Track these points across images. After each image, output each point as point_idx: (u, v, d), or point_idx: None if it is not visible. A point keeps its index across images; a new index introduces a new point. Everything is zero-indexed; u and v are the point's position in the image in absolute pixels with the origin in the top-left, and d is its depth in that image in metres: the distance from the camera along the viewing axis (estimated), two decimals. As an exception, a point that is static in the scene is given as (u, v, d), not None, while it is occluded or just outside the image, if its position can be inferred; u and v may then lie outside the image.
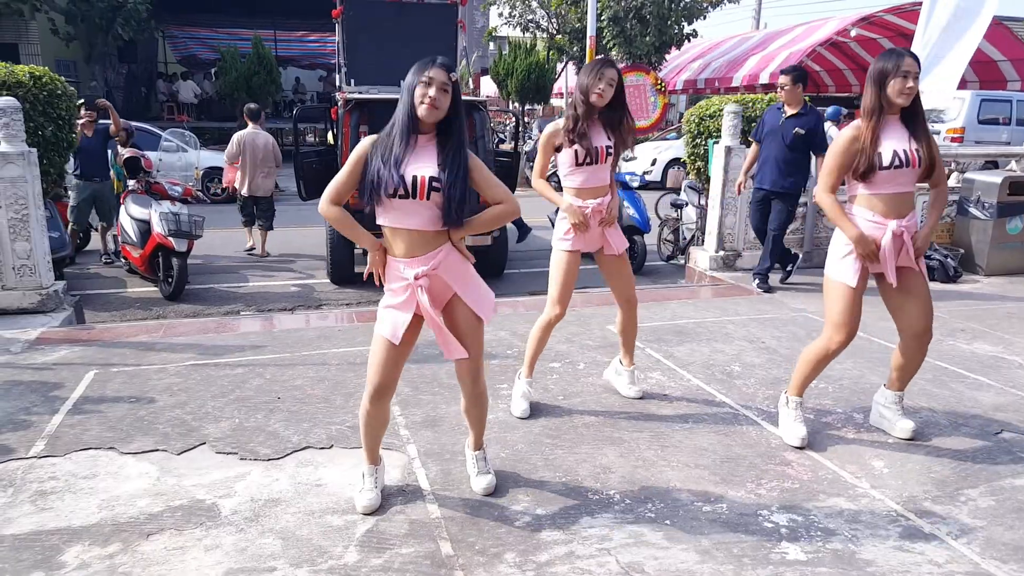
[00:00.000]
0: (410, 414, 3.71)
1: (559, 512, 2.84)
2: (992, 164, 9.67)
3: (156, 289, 6.98)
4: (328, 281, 7.44)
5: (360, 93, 7.12)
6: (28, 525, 2.71)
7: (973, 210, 7.03)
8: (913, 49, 7.80)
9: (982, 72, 17.47)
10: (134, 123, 9.56)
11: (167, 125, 16.66)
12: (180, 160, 12.62)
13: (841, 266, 3.27)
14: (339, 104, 7.23)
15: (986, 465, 3.25)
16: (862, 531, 2.74)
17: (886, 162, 3.11)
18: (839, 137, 3.22)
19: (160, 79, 21.75)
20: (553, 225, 9.57)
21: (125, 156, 7.45)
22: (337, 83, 8.03)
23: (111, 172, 7.88)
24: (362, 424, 2.79)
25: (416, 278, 2.58)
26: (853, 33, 17.37)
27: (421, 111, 2.49)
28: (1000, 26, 16.69)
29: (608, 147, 3.48)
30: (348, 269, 7.30)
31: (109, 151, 7.85)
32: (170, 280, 6.70)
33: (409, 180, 2.50)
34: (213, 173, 13.08)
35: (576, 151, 3.46)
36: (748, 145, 6.60)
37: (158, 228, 6.60)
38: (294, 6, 20.60)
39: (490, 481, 2.97)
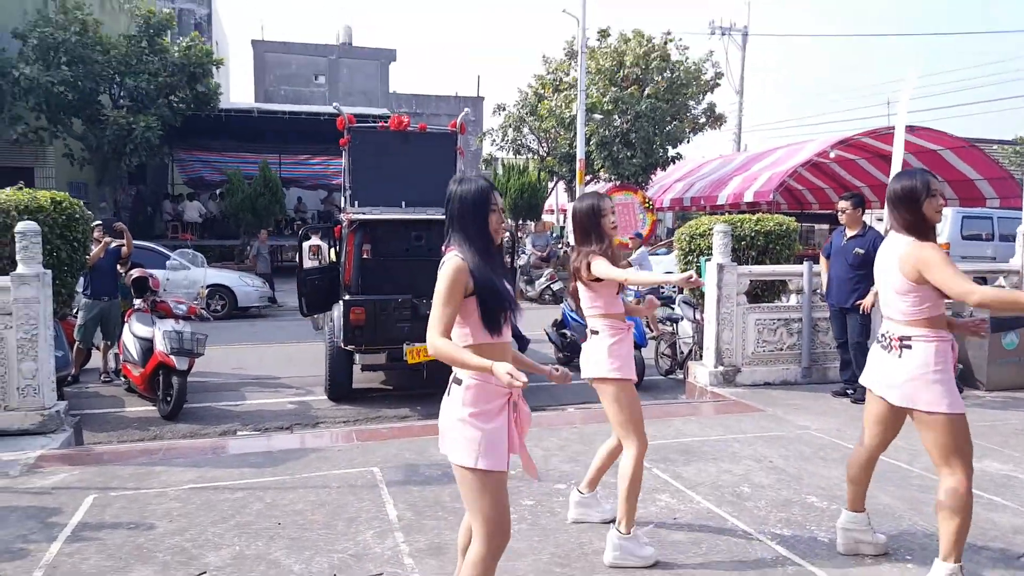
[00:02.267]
0: (413, 541, 3.62)
1: (573, 647, 2.73)
2: (982, 280, 9.93)
3: (154, 408, 6.92)
4: (326, 398, 7.40)
5: (364, 214, 7.38)
6: (18, 666, 2.58)
7: (966, 324, 7.15)
8: (892, 168, 8.23)
9: (960, 190, 18.25)
10: (141, 242, 9.77)
11: (171, 243, 17.08)
12: (185, 278, 12.84)
13: (955, 396, 3.02)
14: (344, 224, 7.48)
15: (1010, 591, 3.17)
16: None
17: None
18: (933, 250, 3.02)
19: (166, 199, 22.44)
20: (553, 340, 9.59)
21: (134, 276, 7.60)
22: (340, 203, 8.34)
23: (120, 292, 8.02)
24: None
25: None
26: (832, 155, 18.23)
27: (497, 238, 2.58)
28: (975, 148, 17.63)
29: None
30: (346, 385, 7.29)
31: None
32: (169, 399, 6.66)
33: (506, 290, 2.55)
34: (215, 290, 13.29)
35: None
36: (747, 262, 7.26)
37: (160, 346, 6.63)
38: (299, 133, 21.67)
39: None
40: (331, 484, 4.40)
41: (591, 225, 3.53)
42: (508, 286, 2.57)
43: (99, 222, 7.76)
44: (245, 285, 13.68)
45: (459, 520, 3.79)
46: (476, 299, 2.45)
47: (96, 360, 8.38)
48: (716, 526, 3.85)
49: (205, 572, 3.26)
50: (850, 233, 6.50)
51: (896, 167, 7.79)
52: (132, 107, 17.84)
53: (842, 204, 6.54)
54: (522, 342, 8.54)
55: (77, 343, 7.74)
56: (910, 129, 14.73)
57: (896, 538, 3.66)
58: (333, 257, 8.85)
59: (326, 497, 4.19)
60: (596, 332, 3.57)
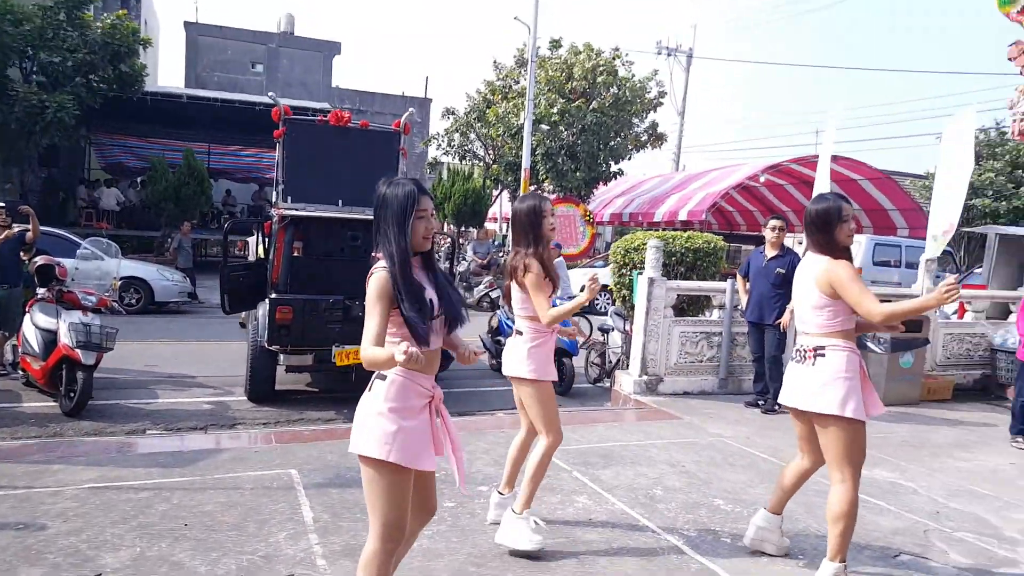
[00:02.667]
0: (328, 543, 3.54)
1: (483, 649, 2.71)
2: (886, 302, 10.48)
3: (55, 404, 6.55)
4: (246, 399, 7.16)
5: (296, 210, 7.20)
6: None
7: (871, 344, 7.50)
8: (815, 194, 8.61)
9: (875, 219, 19.24)
10: (50, 228, 9.26)
11: (85, 232, 16.22)
12: (97, 269, 12.22)
13: (857, 403, 3.17)
14: (274, 219, 7.27)
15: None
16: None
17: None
18: (846, 268, 3.20)
19: (81, 185, 21.31)
20: (488, 347, 9.59)
21: (39, 263, 7.17)
22: (272, 198, 8.09)
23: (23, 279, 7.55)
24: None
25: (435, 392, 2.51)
26: (762, 179, 18.94)
27: (425, 245, 2.51)
28: (889, 180, 18.62)
29: None
30: (269, 386, 7.06)
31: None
32: (72, 395, 6.30)
33: (435, 299, 2.51)
34: (130, 283, 12.70)
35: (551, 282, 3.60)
36: (676, 277, 7.56)
37: (65, 339, 6.27)
38: (230, 122, 20.91)
39: None
40: (244, 486, 4.26)
41: (530, 225, 3.57)
42: (443, 293, 2.54)
43: (2, 204, 7.30)
44: (163, 279, 13.12)
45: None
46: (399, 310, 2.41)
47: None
48: (629, 527, 3.92)
49: (100, 574, 3.09)
50: (771, 254, 6.76)
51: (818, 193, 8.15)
52: (46, 84, 16.82)
53: (777, 222, 6.80)
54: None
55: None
56: (834, 158, 15.43)
57: (792, 539, 3.80)
58: (262, 253, 8.60)
59: (238, 499, 4.05)
60: (520, 333, 3.63)
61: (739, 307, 7.46)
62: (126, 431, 6.01)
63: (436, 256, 2.70)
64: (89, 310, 6.88)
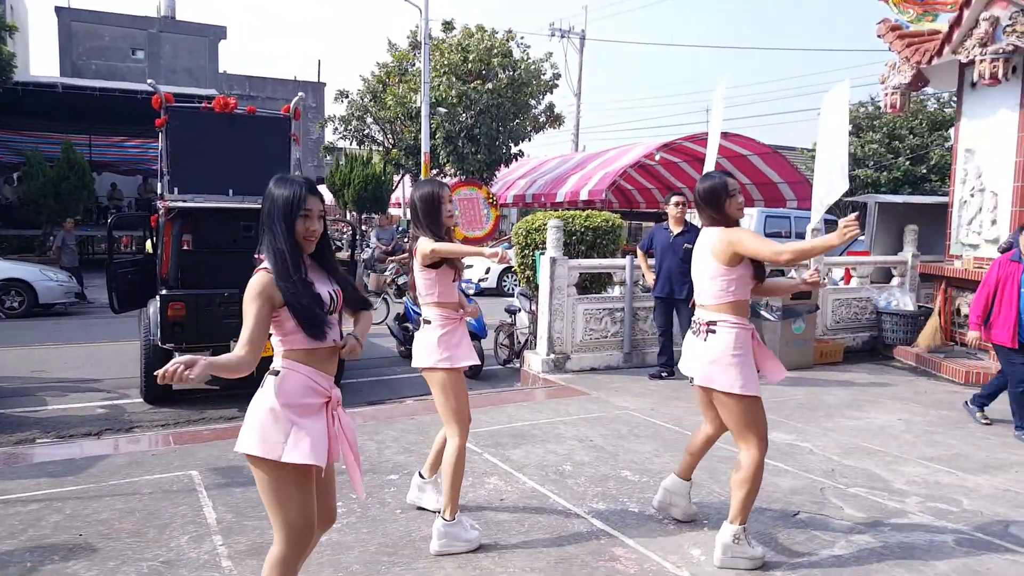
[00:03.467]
0: (233, 543, 3.47)
1: (396, 632, 2.75)
2: (779, 273, 11.08)
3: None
4: (142, 400, 6.86)
5: (184, 202, 6.91)
6: None
7: (763, 312, 7.95)
8: (705, 170, 8.98)
9: (765, 192, 20.23)
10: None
11: (-44, 233, 14.99)
12: (-31, 271, 11.35)
13: (751, 379, 3.29)
14: (160, 212, 6.95)
15: (788, 546, 3.57)
16: (685, 618, 2.90)
17: (767, 269, 3.43)
18: (744, 229, 3.37)
19: (-50, 182, 19.65)
20: (395, 334, 9.54)
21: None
22: (159, 191, 7.73)
23: None
24: None
25: (330, 390, 2.44)
26: (657, 157, 19.55)
27: (306, 247, 2.43)
28: (776, 154, 19.61)
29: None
30: (165, 387, 6.79)
31: None
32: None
33: (326, 296, 2.43)
34: (10, 285, 11.86)
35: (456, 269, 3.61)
36: (578, 256, 7.72)
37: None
38: (112, 112, 19.69)
39: None
40: (143, 491, 4.11)
41: (429, 213, 3.54)
42: (344, 287, 2.53)
43: None
44: (47, 279, 12.30)
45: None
46: (288, 311, 2.35)
47: None
48: (539, 504, 4.03)
49: (-14, 594, 2.94)
50: (676, 230, 7.02)
51: (709, 169, 8.51)
52: (-97, 74, 15.39)
53: (678, 198, 7.04)
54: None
55: None
56: (724, 135, 16.12)
57: (698, 504, 4.02)
58: (150, 248, 8.21)
59: (136, 504, 3.90)
60: (428, 322, 3.58)
61: (639, 283, 7.72)
62: (13, 441, 5.66)
63: (336, 245, 2.67)
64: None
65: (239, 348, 2.29)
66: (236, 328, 2.55)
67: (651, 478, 4.44)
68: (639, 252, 7.49)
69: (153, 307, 6.67)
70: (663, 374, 7.21)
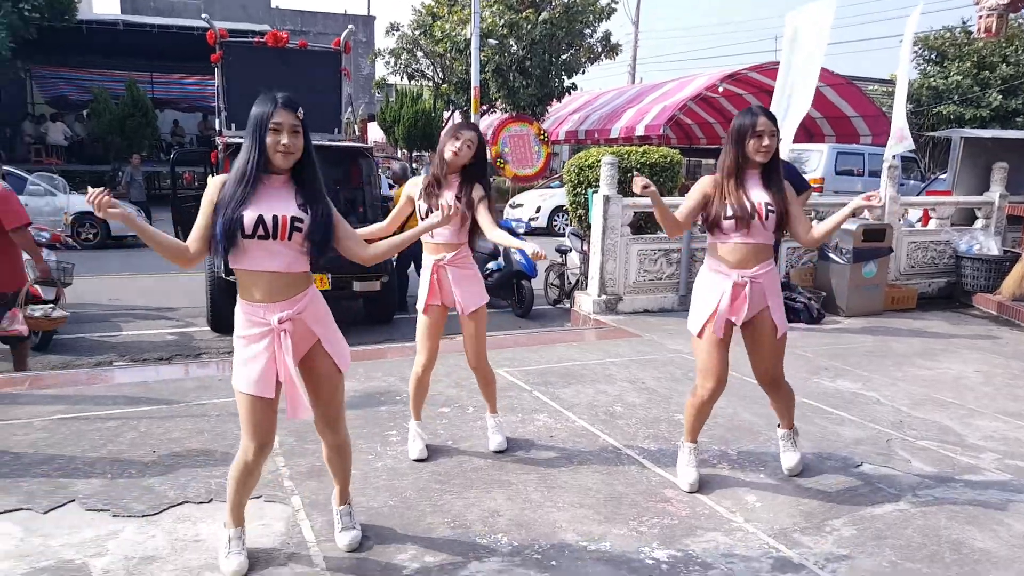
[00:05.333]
0: (295, 464, 3.64)
1: (447, 559, 2.86)
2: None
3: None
4: (208, 329, 7.16)
5: (240, 137, 7.01)
6: None
7: (832, 255, 7.69)
8: (773, 104, 8.59)
9: (838, 127, 19.28)
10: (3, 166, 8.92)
11: (34, 168, 15.65)
12: (48, 205, 11.88)
13: (696, 318, 3.44)
14: (219, 148, 7.09)
15: (848, 496, 3.50)
16: (737, 564, 2.90)
17: (728, 213, 3.29)
18: (698, 184, 3.43)
19: (27, 120, 20.38)
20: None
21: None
22: (217, 127, 7.87)
23: None
24: (234, 482, 2.67)
25: (280, 322, 2.49)
26: (721, 88, 18.71)
27: (277, 160, 2.45)
28: (851, 85, 18.55)
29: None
30: (229, 316, 7.05)
31: None
32: (37, 331, 6.25)
33: (269, 220, 2.43)
34: (84, 218, 12.38)
35: (421, 207, 3.60)
36: (633, 194, 7.08)
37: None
38: (171, 49, 19.97)
39: (354, 537, 2.87)
40: (210, 413, 4.32)
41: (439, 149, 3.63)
42: (313, 213, 2.48)
43: None
44: (118, 212, 12.79)
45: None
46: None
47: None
48: (589, 443, 4.08)
49: (73, 500, 3.17)
50: None
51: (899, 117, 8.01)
52: (-25, 15, 15.84)
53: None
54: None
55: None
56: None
57: (752, 451, 4.00)
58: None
59: (204, 425, 4.12)
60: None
61: (698, 223, 7.54)
62: (93, 363, 6.01)
63: (382, 183, 2.68)
64: (43, 246, 6.74)
65: (190, 241, 2.51)
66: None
67: (705, 422, 4.42)
68: None
69: (217, 240, 6.87)
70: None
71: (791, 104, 7.83)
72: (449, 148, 3.53)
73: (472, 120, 16.54)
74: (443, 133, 3.62)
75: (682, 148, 14.93)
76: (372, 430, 4.12)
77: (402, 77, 22.16)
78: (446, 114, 22.91)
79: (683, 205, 3.43)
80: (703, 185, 3.40)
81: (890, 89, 22.16)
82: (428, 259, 3.68)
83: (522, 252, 8.16)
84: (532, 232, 14.49)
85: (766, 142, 3.27)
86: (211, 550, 2.84)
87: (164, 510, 3.13)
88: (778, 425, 3.76)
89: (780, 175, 3.41)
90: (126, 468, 3.52)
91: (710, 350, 3.39)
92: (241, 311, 2.55)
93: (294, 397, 2.54)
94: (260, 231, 2.43)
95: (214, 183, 2.53)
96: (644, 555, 2.95)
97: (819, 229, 3.37)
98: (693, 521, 3.23)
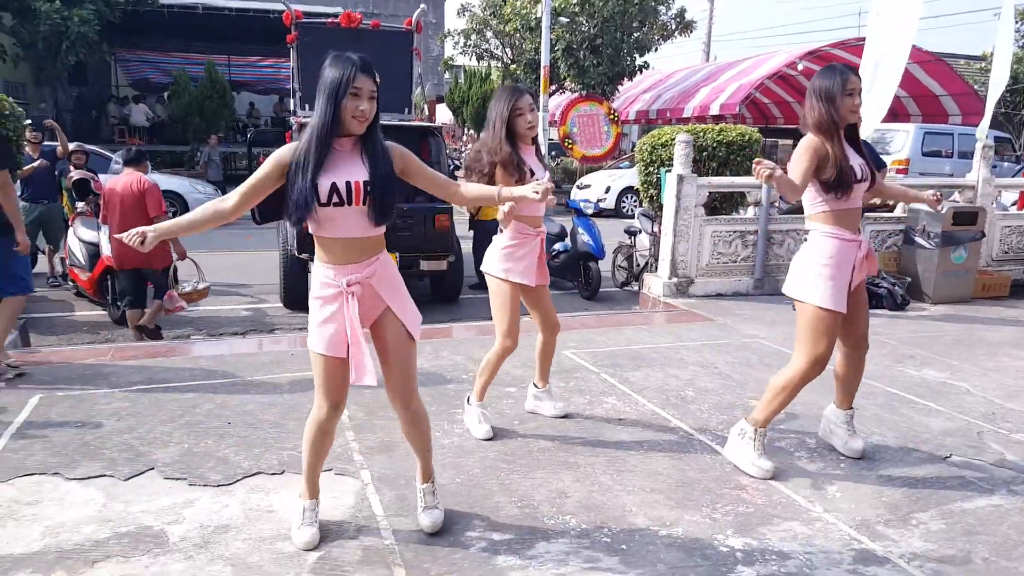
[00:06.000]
0: (364, 439, 3.67)
1: (515, 537, 2.83)
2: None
3: (104, 312, 6.79)
4: (281, 305, 7.34)
5: (316, 118, 7.11)
6: (-39, 558, 2.59)
7: (919, 239, 7.29)
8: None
9: (924, 106, 18.27)
10: (86, 146, 9.35)
11: (118, 148, 16.34)
12: (129, 183, 12.33)
13: (824, 291, 3.18)
14: (294, 128, 7.21)
15: (936, 489, 3.32)
16: (816, 555, 2.77)
17: (858, 175, 3.15)
18: (806, 144, 3.16)
19: (111, 102, 21.35)
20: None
21: (74, 178, 7.28)
22: (292, 108, 8.01)
23: (60, 194, 7.70)
24: (308, 444, 2.69)
25: (348, 284, 2.49)
26: (800, 67, 17.99)
27: (353, 126, 2.41)
28: (940, 62, 17.51)
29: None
30: (301, 293, 7.21)
31: (58, 173, 7.67)
32: (119, 303, 6.52)
33: (343, 186, 2.41)
34: (166, 196, 12.85)
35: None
36: (708, 174, 7.15)
37: (107, 251, 6.43)
38: (248, 32, 20.50)
39: (437, 518, 2.84)
40: (283, 386, 4.41)
41: (503, 121, 3.44)
42: (375, 181, 2.44)
43: (28, 122, 7.30)
44: (195, 192, 13.26)
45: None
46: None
47: (43, 265, 8.13)
48: (660, 427, 3.97)
49: (152, 468, 3.27)
50: None
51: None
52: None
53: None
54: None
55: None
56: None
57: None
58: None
59: (277, 398, 4.20)
60: (502, 230, 3.60)
61: (776, 204, 7.26)
62: (171, 336, 6.23)
63: (455, 164, 2.61)
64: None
65: (234, 194, 2.52)
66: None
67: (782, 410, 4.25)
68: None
69: (289, 219, 7.02)
70: None
71: (877, 83, 7.40)
72: (524, 122, 3.44)
73: (541, 101, 16.29)
74: (496, 103, 3.46)
75: (758, 128, 14.41)
76: (439, 408, 4.12)
77: (471, 58, 22.10)
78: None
79: (798, 169, 3.12)
80: (814, 146, 3.15)
81: (982, 66, 20.84)
82: (527, 234, 3.54)
83: (590, 233, 8.06)
84: (599, 213, 14.28)
85: (858, 101, 3.15)
86: (283, 521, 2.89)
87: (238, 480, 3.20)
88: (839, 406, 3.61)
89: (859, 138, 3.34)
90: (202, 438, 3.62)
91: (835, 327, 3.23)
92: (316, 273, 2.58)
93: (358, 359, 2.53)
94: (335, 199, 2.42)
95: (285, 149, 2.50)
96: (718, 542, 2.85)
97: (899, 188, 3.45)
98: (770, 510, 3.11)
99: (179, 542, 2.72)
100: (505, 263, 3.55)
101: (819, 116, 3.16)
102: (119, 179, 5.91)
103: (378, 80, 2.43)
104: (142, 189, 5.76)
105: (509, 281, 3.55)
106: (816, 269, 3.23)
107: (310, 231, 2.54)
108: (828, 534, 2.93)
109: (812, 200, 3.26)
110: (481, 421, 3.77)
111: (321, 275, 2.56)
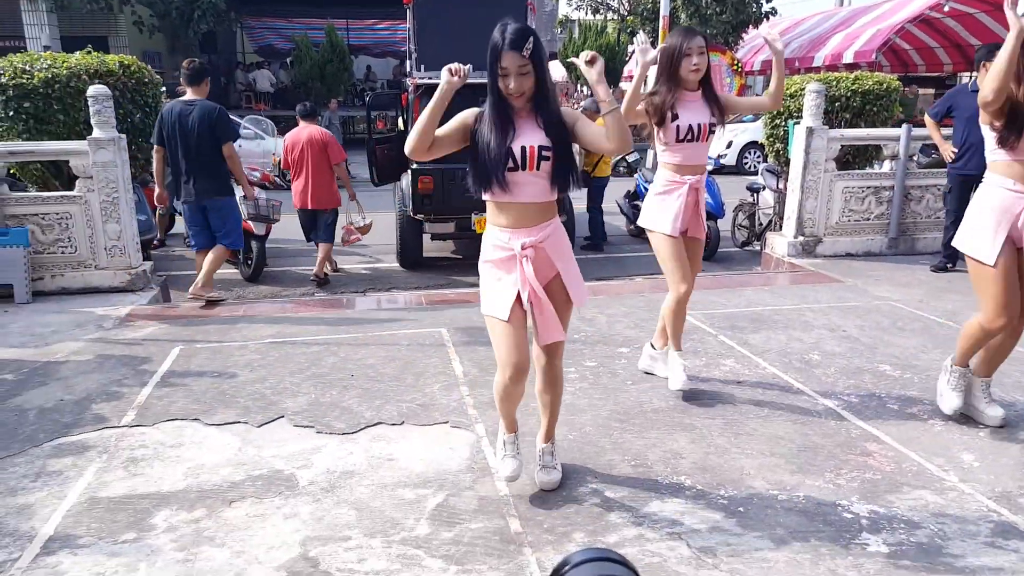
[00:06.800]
0: (478, 394, 3.73)
1: (628, 495, 2.80)
2: None
3: (237, 271, 7.24)
4: (398, 265, 7.56)
5: (431, 78, 7.17)
6: (121, 489, 2.86)
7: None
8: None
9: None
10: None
11: (245, 113, 17.23)
12: (258, 147, 13.02)
13: (983, 242, 3.05)
14: (410, 90, 7.30)
15: None
16: (949, 525, 2.60)
17: None
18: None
19: (239, 68, 22.48)
20: (625, 212, 9.40)
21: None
22: (408, 70, 8.10)
23: None
24: (498, 400, 2.74)
25: (523, 248, 2.51)
26: (947, 7, 16.33)
27: (515, 103, 2.44)
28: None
29: (712, 124, 3.45)
30: (417, 253, 7.39)
31: None
32: (249, 262, 6.94)
33: (518, 151, 2.43)
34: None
35: (678, 127, 3.40)
36: (840, 125, 6.82)
37: (243, 214, 6.84)
38: (366, -5, 20.93)
39: (555, 477, 2.84)
40: (401, 342, 4.55)
41: (667, 66, 3.39)
42: (533, 144, 2.44)
43: (164, 88, 7.72)
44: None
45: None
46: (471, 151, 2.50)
47: (181, 226, 8.76)
48: (781, 391, 3.80)
49: (283, 416, 3.47)
50: None
51: None
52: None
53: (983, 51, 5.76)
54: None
55: (158, 209, 8.06)
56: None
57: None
58: (402, 126, 8.74)
59: (396, 353, 4.34)
60: (650, 183, 3.55)
61: (915, 157, 6.68)
62: (299, 293, 6.57)
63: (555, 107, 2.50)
64: (255, 184, 7.41)
65: (415, 130, 2.43)
66: (476, 202, 2.67)
67: (916, 374, 3.96)
68: (929, 120, 6.19)
69: (405, 180, 7.17)
70: (948, 265, 6.25)
71: None
72: (688, 66, 3.33)
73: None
74: (665, 47, 3.36)
75: (898, 76, 13.26)
76: (552, 366, 4.12)
77: (587, 12, 21.54)
78: (630, 47, 22.08)
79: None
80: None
81: None
82: (675, 182, 3.49)
83: (709, 190, 7.73)
84: (720, 170, 13.71)
85: None
86: (403, 469, 2.99)
87: (361, 429, 3.34)
88: (978, 373, 3.39)
89: None
90: (327, 389, 3.80)
91: (1006, 281, 3.04)
92: (488, 237, 2.61)
93: (546, 318, 2.57)
94: (510, 163, 2.43)
95: (473, 111, 2.53)
96: (842, 508, 2.71)
97: None
98: (898, 477, 2.93)
99: (307, 486, 2.88)
100: (650, 213, 3.57)
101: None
102: (301, 131, 6.90)
103: (529, 51, 2.34)
104: (325, 140, 6.87)
105: (655, 231, 3.53)
106: (979, 220, 3.11)
107: (485, 197, 2.57)
108: (963, 504, 2.74)
109: (992, 145, 3.07)
110: (679, 371, 3.64)
111: (494, 238, 2.58)
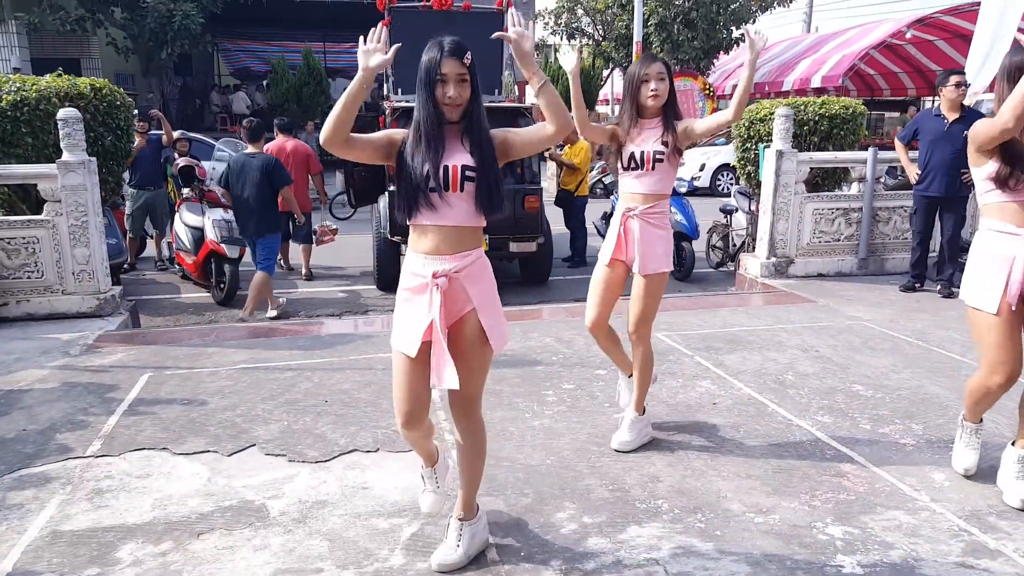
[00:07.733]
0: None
1: (606, 520, 2.78)
2: None
3: (208, 294, 7.15)
4: (375, 287, 7.51)
5: (407, 101, 7.19)
6: (85, 522, 2.78)
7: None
8: (972, 52, 7.55)
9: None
10: (188, 133, 9.87)
11: (220, 135, 17.13)
12: (233, 169, 12.91)
13: (980, 290, 2.84)
14: (387, 113, 7.32)
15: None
16: (922, 545, 2.62)
17: None
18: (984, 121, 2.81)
19: (214, 91, 22.40)
20: (601, 232, 9.50)
21: (180, 165, 7.67)
22: (384, 93, 8.13)
23: (165, 181, 8.15)
24: (405, 441, 2.59)
25: (435, 276, 2.29)
26: (908, 35, 16.87)
27: (448, 113, 2.29)
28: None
29: (658, 153, 3.24)
30: (394, 275, 7.34)
31: (163, 161, 8.11)
32: (222, 286, 6.85)
33: (440, 172, 2.27)
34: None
35: (622, 155, 3.32)
36: (809, 148, 6.95)
37: (211, 235, 6.76)
38: (343, 18, 20.99)
39: (448, 559, 2.48)
40: (377, 366, 4.50)
41: (629, 94, 3.33)
42: (481, 168, 2.30)
43: (135, 112, 7.73)
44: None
45: (498, 402, 3.87)
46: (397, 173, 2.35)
47: (151, 249, 8.64)
48: (756, 412, 3.82)
49: (254, 444, 3.41)
50: (952, 116, 5.89)
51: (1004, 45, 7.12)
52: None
53: (958, 77, 5.87)
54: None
55: (128, 232, 7.96)
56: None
57: (941, 427, 3.57)
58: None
59: (372, 378, 4.29)
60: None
61: (882, 180, 6.82)
62: (270, 318, 6.48)
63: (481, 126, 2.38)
64: (229, 207, 7.33)
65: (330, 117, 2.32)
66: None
67: (887, 394, 4.01)
68: (898, 144, 6.34)
69: (382, 203, 7.16)
70: (916, 285, 6.36)
71: (994, 51, 6.81)
72: (645, 93, 3.21)
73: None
74: (627, 74, 3.35)
75: (864, 100, 13.59)
76: (529, 389, 4.11)
77: (562, 37, 21.83)
78: (605, 72, 22.38)
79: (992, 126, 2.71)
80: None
81: None
82: (624, 208, 3.35)
83: (684, 212, 7.82)
84: (693, 192, 13.86)
85: None
86: (377, 497, 2.95)
87: (335, 457, 3.29)
88: (1013, 443, 3.01)
89: None
90: (300, 416, 3.74)
91: (1007, 333, 2.79)
92: (406, 264, 2.41)
93: (439, 358, 2.29)
94: (431, 183, 2.28)
95: (399, 131, 2.40)
96: (817, 530, 2.72)
97: None
98: (872, 498, 2.95)
99: (279, 516, 2.82)
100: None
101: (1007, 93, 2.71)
102: (285, 143, 7.77)
103: (468, 61, 2.29)
104: (307, 153, 7.92)
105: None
106: (978, 265, 2.88)
107: (409, 222, 2.39)
108: (935, 524, 2.76)
109: (984, 188, 2.84)
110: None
111: (410, 263, 2.38)
